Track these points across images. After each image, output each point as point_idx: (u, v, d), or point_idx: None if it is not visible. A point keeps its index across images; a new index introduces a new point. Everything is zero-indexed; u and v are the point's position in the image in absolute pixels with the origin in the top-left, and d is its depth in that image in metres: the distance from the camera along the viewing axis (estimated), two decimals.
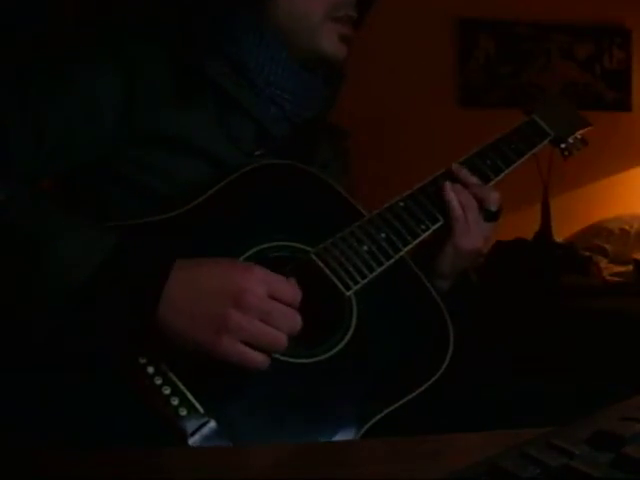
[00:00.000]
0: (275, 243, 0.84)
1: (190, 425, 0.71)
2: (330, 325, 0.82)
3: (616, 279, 2.50)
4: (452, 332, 0.85)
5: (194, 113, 0.89)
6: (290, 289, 0.75)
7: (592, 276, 2.50)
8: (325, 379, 0.78)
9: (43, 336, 0.70)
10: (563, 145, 1.14)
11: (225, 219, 0.84)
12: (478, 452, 0.41)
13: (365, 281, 0.85)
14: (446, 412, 0.86)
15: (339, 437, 0.75)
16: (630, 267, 2.53)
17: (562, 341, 1.97)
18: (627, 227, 2.84)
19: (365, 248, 0.86)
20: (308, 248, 0.84)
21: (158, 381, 0.72)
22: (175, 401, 0.71)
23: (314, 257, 0.83)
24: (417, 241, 0.91)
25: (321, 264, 0.83)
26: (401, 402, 0.78)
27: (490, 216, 0.96)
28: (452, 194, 0.93)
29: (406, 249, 0.90)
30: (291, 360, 0.76)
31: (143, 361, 0.72)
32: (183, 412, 0.71)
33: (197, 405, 0.72)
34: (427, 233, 0.92)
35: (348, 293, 0.83)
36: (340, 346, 0.80)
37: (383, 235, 0.88)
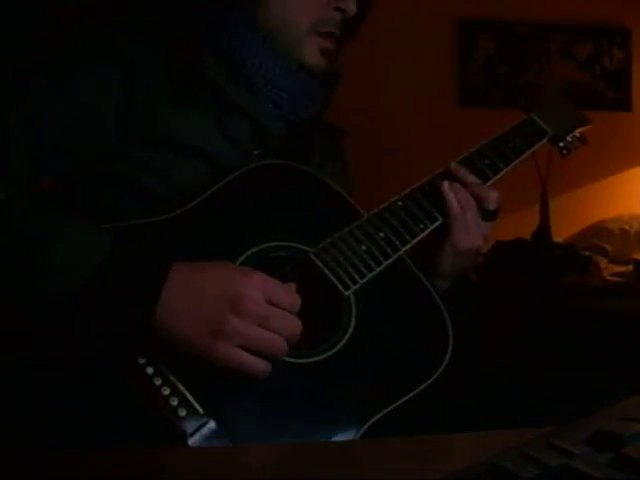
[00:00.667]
0: (274, 243, 0.84)
1: (189, 425, 0.71)
2: (329, 325, 0.81)
3: (616, 279, 2.49)
4: (451, 332, 0.84)
5: (192, 113, 0.89)
6: (289, 295, 0.75)
7: (592, 276, 2.49)
8: (324, 379, 0.78)
9: (42, 336, 0.70)
10: (562, 143, 1.14)
11: (223, 219, 0.84)
12: (478, 452, 0.41)
13: (364, 281, 0.85)
14: (446, 412, 0.86)
15: (339, 437, 0.75)
16: (630, 267, 2.52)
17: (562, 341, 1.97)
18: (627, 227, 2.84)
19: (364, 248, 0.86)
20: (307, 248, 0.84)
21: (157, 381, 0.72)
22: (174, 401, 0.71)
23: (313, 257, 0.83)
24: (416, 240, 0.91)
25: (320, 264, 0.83)
26: (400, 402, 0.78)
27: (489, 215, 0.96)
28: (451, 193, 0.93)
29: (405, 248, 0.90)
30: (290, 360, 0.76)
31: (142, 362, 0.72)
32: (182, 412, 0.71)
33: (196, 405, 0.72)
34: (426, 232, 0.92)
35: (347, 293, 0.83)
36: (339, 346, 0.80)
37: (382, 235, 0.88)
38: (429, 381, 0.80)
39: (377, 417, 0.77)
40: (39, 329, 0.71)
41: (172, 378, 0.72)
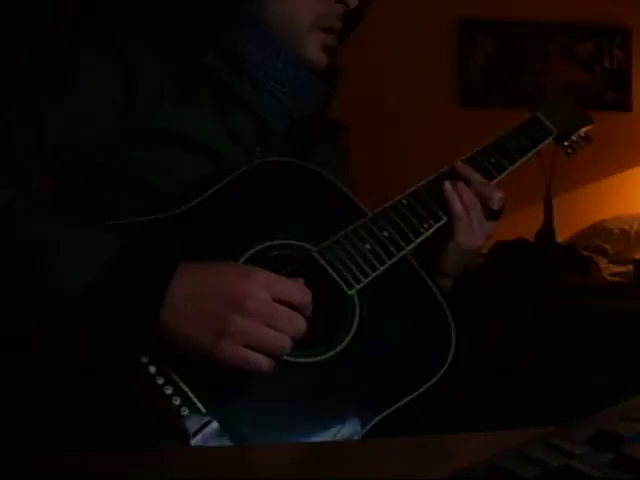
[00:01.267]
0: (277, 242, 0.83)
1: (192, 425, 0.71)
2: (332, 324, 0.81)
3: (616, 279, 2.50)
4: (454, 332, 0.84)
5: (194, 109, 0.89)
6: (298, 290, 0.75)
7: (592, 276, 2.50)
8: (327, 379, 0.78)
9: (44, 337, 0.70)
10: (566, 143, 1.13)
11: (226, 218, 0.84)
12: (478, 452, 0.41)
13: (367, 280, 0.84)
14: (447, 412, 0.86)
15: (341, 437, 0.75)
16: (630, 267, 2.52)
17: (562, 341, 1.97)
18: (627, 227, 2.84)
19: (368, 247, 0.86)
20: (310, 247, 0.84)
21: (160, 381, 0.72)
22: (177, 401, 0.71)
23: (317, 255, 0.83)
24: (420, 239, 0.90)
25: (323, 263, 0.83)
26: (403, 402, 0.78)
27: (492, 215, 0.96)
28: (454, 192, 0.93)
29: (409, 248, 0.89)
30: (293, 360, 0.76)
31: (145, 361, 0.72)
32: (185, 412, 0.71)
33: (199, 405, 0.72)
34: (430, 231, 0.92)
35: (350, 292, 0.83)
36: (342, 346, 0.79)
37: (386, 234, 0.88)
38: (432, 382, 0.80)
39: (379, 418, 0.77)
40: (41, 329, 0.71)
41: (175, 377, 0.72)
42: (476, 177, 0.96)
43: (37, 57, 0.91)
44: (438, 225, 0.93)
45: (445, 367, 0.81)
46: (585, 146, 1.16)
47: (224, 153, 0.89)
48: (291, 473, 0.51)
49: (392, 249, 0.87)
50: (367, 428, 0.76)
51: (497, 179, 0.99)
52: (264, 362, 0.71)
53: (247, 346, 0.71)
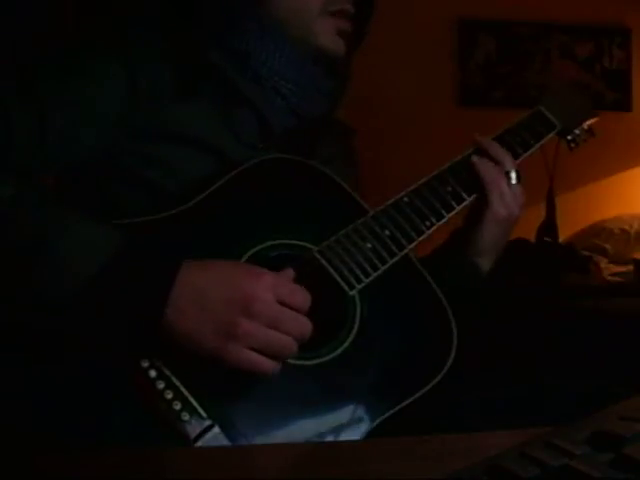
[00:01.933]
0: (278, 241, 0.83)
1: (193, 430, 0.70)
2: (333, 325, 0.81)
3: (616, 279, 2.49)
4: (456, 331, 0.84)
5: (197, 106, 0.89)
6: (299, 294, 0.74)
7: (592, 276, 2.49)
8: (329, 380, 0.78)
9: (44, 336, 0.70)
10: (570, 137, 1.12)
11: (227, 216, 0.84)
12: (478, 452, 0.41)
13: (369, 280, 0.84)
14: (447, 412, 0.85)
15: (343, 438, 0.75)
16: (630, 267, 2.52)
17: (562, 341, 1.97)
18: (627, 227, 2.84)
19: (369, 246, 0.86)
20: (311, 246, 0.84)
21: (160, 385, 0.71)
22: (177, 405, 0.71)
23: (317, 255, 0.83)
24: (421, 238, 0.90)
25: (324, 262, 0.83)
26: (405, 403, 0.78)
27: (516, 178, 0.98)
28: (483, 164, 0.96)
29: (410, 246, 0.89)
30: (295, 362, 0.76)
31: (145, 364, 0.72)
32: (185, 417, 0.71)
33: (199, 409, 0.71)
34: (431, 230, 0.91)
35: (352, 292, 0.83)
36: (344, 347, 0.79)
37: (387, 232, 0.87)
38: (433, 382, 0.80)
39: (381, 419, 0.77)
40: (40, 329, 0.70)
41: (175, 382, 0.72)
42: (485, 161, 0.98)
43: (39, 56, 0.91)
44: (440, 223, 0.92)
45: (447, 367, 0.81)
46: (589, 140, 1.14)
47: (226, 150, 0.89)
48: (291, 473, 0.51)
49: (394, 248, 0.87)
50: (370, 429, 0.76)
51: None
52: (270, 365, 0.71)
53: (253, 349, 0.70)
